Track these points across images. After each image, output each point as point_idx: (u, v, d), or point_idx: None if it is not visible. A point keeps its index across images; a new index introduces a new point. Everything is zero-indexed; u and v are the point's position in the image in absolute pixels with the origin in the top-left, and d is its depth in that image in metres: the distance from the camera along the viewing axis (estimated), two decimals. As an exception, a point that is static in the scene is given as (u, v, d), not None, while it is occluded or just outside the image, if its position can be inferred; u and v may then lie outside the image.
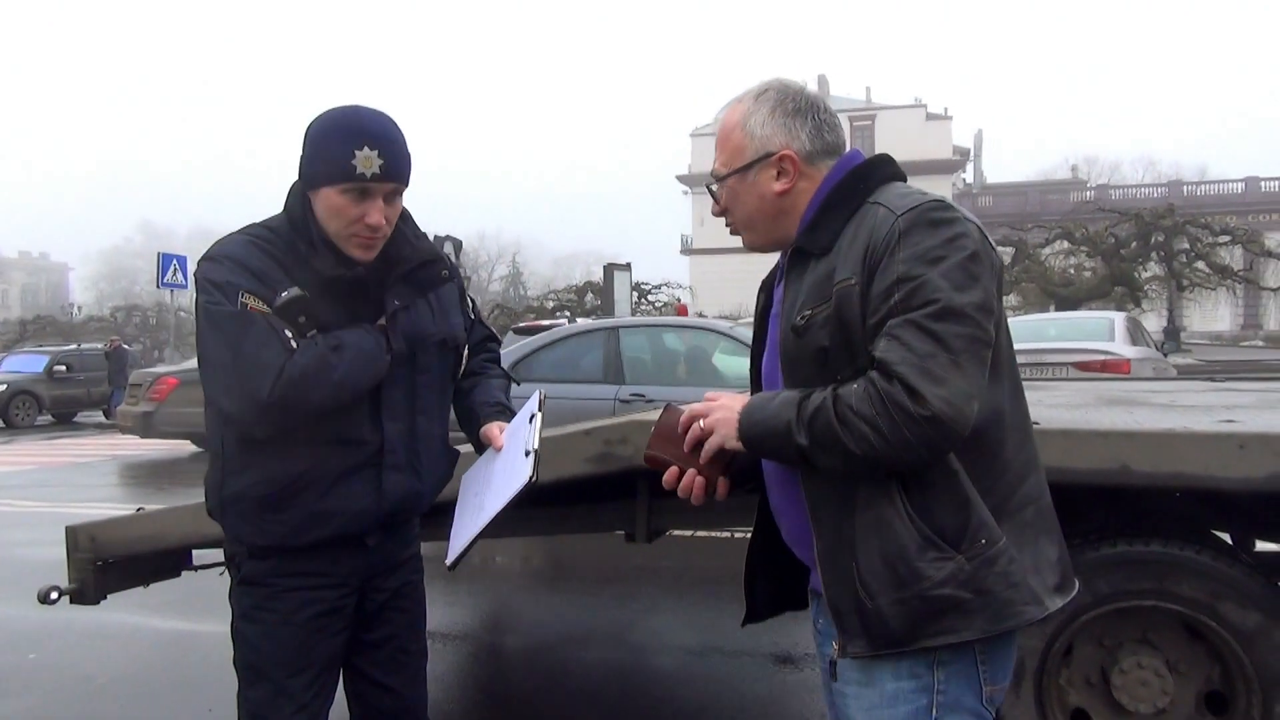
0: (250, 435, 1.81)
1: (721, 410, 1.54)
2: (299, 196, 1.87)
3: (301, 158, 1.85)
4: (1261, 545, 3.24)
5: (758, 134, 1.58)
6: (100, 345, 21.93)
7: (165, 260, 18.93)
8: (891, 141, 45.11)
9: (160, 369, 14.18)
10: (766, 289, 1.73)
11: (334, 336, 1.81)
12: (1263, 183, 46.44)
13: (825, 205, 1.55)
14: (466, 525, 1.93)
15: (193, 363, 14.73)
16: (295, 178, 1.90)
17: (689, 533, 5.58)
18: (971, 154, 47.64)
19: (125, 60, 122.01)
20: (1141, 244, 26.05)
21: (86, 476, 11.33)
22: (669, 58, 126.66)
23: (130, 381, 13.66)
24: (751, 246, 1.69)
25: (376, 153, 1.79)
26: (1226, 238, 26.73)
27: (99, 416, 19.68)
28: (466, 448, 2.16)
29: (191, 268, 2.05)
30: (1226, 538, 2.96)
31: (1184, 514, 2.67)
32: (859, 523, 1.45)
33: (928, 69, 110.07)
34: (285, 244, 1.85)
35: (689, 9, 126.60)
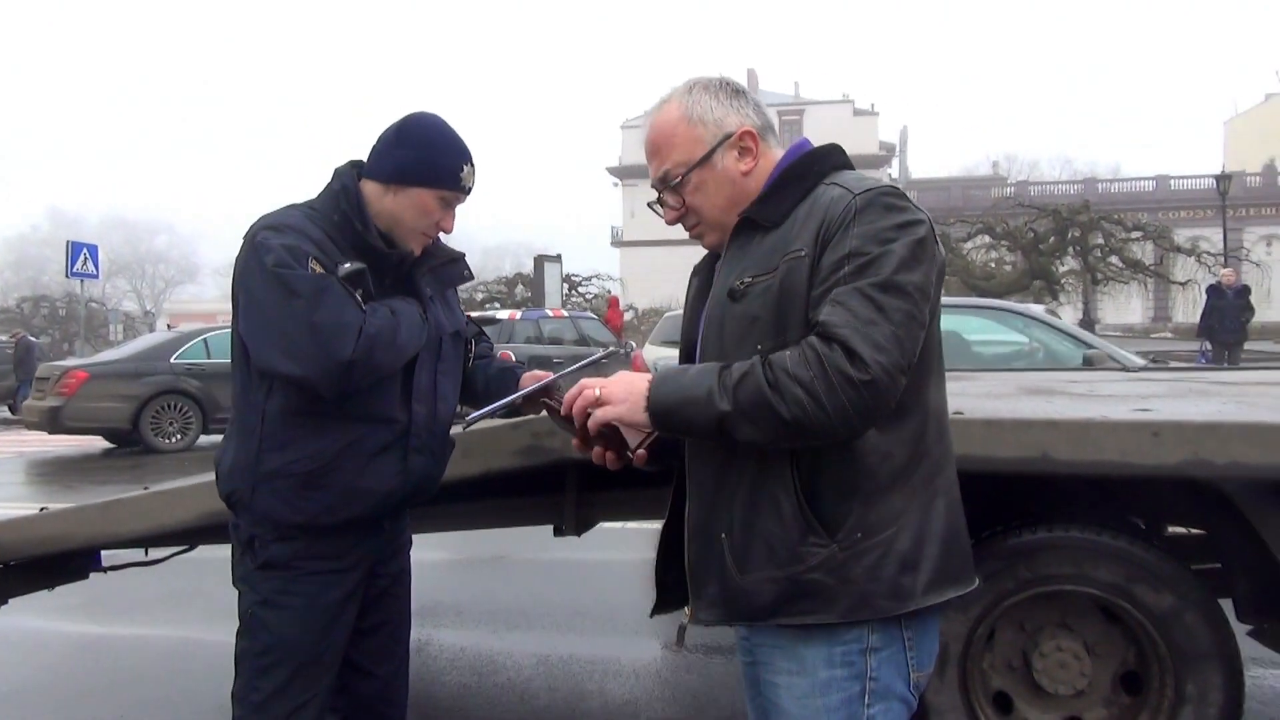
0: (314, 399, 1.86)
1: (620, 381, 1.49)
2: (352, 179, 1.98)
3: (402, 155, 1.95)
4: (1172, 529, 3.35)
5: (710, 119, 1.56)
6: (4, 337, 21.05)
7: (75, 249, 18.18)
8: (820, 136, 43.94)
9: (70, 362, 13.67)
10: (702, 273, 1.71)
11: (388, 304, 1.92)
12: (1172, 181, 48.28)
13: (780, 181, 1.55)
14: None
15: (105, 355, 14.27)
16: (349, 162, 2.02)
17: (619, 525, 5.56)
18: (897, 149, 48.57)
19: (28, 34, 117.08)
20: (1059, 239, 26.90)
21: (-10, 475, 10.84)
22: (597, 49, 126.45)
23: (37, 375, 13.13)
24: (714, 246, 1.63)
25: (473, 170, 2.02)
26: (1139, 234, 27.76)
27: (4, 412, 18.89)
28: (456, 429, 2.27)
29: (103, 257, 2.06)
30: (1140, 524, 3.05)
31: (1100, 501, 2.75)
32: (741, 498, 1.47)
33: (855, 65, 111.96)
34: (334, 222, 1.94)
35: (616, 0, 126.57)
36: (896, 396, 1.38)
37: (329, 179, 2.03)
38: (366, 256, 1.93)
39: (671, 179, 1.58)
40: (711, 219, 1.59)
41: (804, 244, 1.45)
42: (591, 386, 1.49)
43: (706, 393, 1.40)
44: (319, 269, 1.83)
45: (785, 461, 1.44)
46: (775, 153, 1.60)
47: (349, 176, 2.00)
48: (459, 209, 2.06)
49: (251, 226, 1.92)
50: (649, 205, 1.69)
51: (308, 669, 1.94)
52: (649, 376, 1.48)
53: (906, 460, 1.46)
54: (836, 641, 1.46)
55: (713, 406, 1.39)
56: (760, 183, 1.57)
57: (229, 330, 2.03)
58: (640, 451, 1.54)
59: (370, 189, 1.98)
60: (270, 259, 1.82)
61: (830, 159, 1.58)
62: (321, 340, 1.79)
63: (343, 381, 1.82)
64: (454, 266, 2.16)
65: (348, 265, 1.87)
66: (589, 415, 1.49)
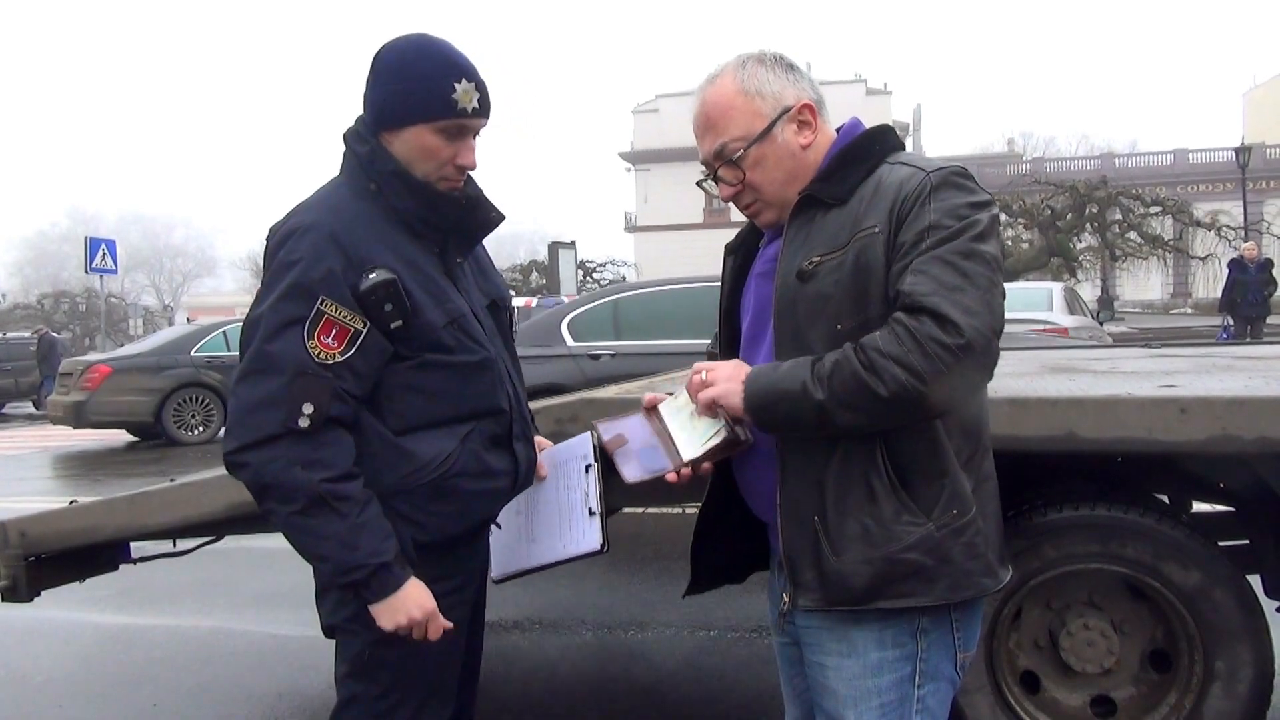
0: (425, 407, 1.69)
1: (724, 369, 1.50)
2: (364, 139, 1.71)
3: (378, 95, 1.68)
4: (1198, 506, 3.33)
5: (768, 92, 1.54)
6: (28, 334, 21.26)
7: (94, 244, 18.33)
8: (833, 116, 45.10)
9: (92, 357, 13.79)
10: (738, 251, 1.71)
11: (353, 501, 1.61)
12: (1191, 154, 47.71)
13: (843, 158, 1.54)
14: (512, 548, 1.89)
15: (126, 349, 14.40)
16: (355, 120, 1.75)
17: (640, 510, 5.58)
18: (911, 128, 48.07)
19: (45, 32, 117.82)
20: (1076, 216, 26.66)
21: (16, 469, 10.96)
22: (607, 33, 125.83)
23: (60, 370, 13.26)
24: (770, 224, 1.61)
25: (474, 85, 1.67)
26: (1157, 209, 27.46)
27: (28, 407, 19.09)
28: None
29: (121, 252, 1.94)
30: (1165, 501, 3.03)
31: (1126, 478, 2.73)
32: (833, 478, 1.46)
33: (867, 44, 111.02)
34: (372, 193, 1.70)
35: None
36: (994, 360, 1.39)
37: (345, 147, 1.78)
38: (427, 222, 1.71)
39: (730, 153, 1.54)
40: (771, 194, 1.56)
41: (877, 221, 1.44)
42: (699, 370, 1.52)
43: (801, 386, 1.40)
44: (331, 310, 1.60)
45: (873, 442, 1.44)
46: (830, 128, 1.60)
47: (356, 138, 1.74)
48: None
49: (285, 219, 1.69)
50: (698, 184, 1.67)
51: (430, 703, 1.76)
52: (743, 373, 1.48)
53: (976, 442, 1.50)
54: (888, 623, 1.47)
55: (809, 398, 1.39)
56: (819, 156, 1.56)
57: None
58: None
59: (383, 140, 1.71)
60: (278, 279, 1.62)
61: (890, 139, 1.58)
62: (232, 419, 1.61)
63: (231, 469, 1.63)
64: (477, 213, 1.81)
65: (373, 276, 1.62)
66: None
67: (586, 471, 1.85)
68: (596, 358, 6.94)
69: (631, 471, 1.63)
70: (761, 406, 1.44)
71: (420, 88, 1.65)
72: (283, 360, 1.58)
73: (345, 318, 1.61)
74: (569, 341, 7.16)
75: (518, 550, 1.89)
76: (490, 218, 1.83)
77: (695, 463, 1.57)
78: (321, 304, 1.59)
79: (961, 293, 1.35)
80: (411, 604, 1.64)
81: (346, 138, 1.76)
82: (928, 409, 1.38)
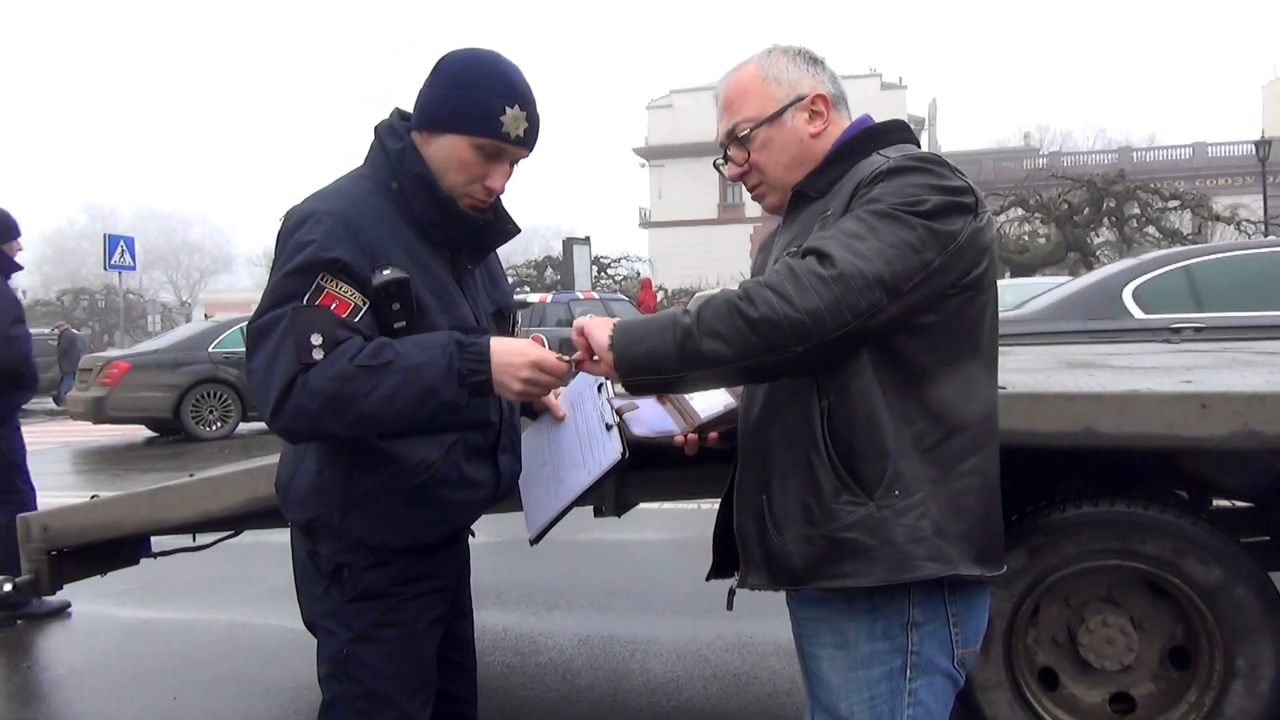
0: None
1: (597, 319, 1.49)
2: (399, 135, 1.69)
3: (429, 95, 1.67)
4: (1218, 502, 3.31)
5: (784, 79, 1.59)
6: (47, 330, 21.44)
7: (112, 241, 18.48)
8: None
9: (111, 353, 13.92)
10: (769, 248, 1.74)
11: (389, 348, 1.54)
12: (1210, 147, 47.28)
13: (836, 155, 1.58)
14: (543, 500, 1.87)
15: (144, 346, 14.51)
16: (397, 112, 1.74)
17: (657, 505, 5.58)
18: (926, 123, 47.82)
19: (61, 31, 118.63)
20: (1094, 210, 26.42)
21: (37, 464, 10.95)
22: (621, 29, 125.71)
23: (80, 366, 13.38)
24: (773, 207, 1.66)
25: (525, 115, 1.66)
26: (1176, 202, 27.19)
27: (49, 403, 19.26)
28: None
29: (139, 249, 1.94)
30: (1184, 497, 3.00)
31: (1145, 474, 2.71)
32: (778, 459, 1.48)
33: (882, 38, 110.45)
34: (394, 192, 1.68)
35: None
36: (875, 309, 1.33)
37: (374, 139, 1.77)
38: (442, 232, 1.70)
39: (738, 133, 1.61)
40: (774, 177, 1.61)
41: (835, 207, 1.47)
42: (577, 330, 1.49)
43: (669, 317, 1.40)
44: (331, 286, 1.56)
45: (815, 419, 1.44)
46: (845, 124, 1.62)
47: (388, 132, 1.72)
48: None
49: (301, 205, 1.67)
50: (714, 164, 1.71)
51: (411, 706, 1.73)
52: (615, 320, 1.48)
53: (936, 428, 1.44)
54: (878, 615, 1.47)
55: (676, 325, 1.37)
56: (827, 148, 1.59)
57: None
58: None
59: (416, 141, 1.70)
60: (288, 262, 1.58)
61: (889, 134, 1.59)
62: (256, 389, 1.58)
63: (288, 438, 1.61)
64: (494, 225, 1.80)
65: (386, 273, 1.59)
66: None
67: (599, 391, 1.82)
68: (1178, 331, 5.99)
69: (640, 430, 1.70)
70: (627, 339, 1.40)
71: (471, 99, 1.64)
72: (280, 319, 1.56)
73: (345, 293, 1.56)
74: (1137, 314, 6.28)
75: (547, 500, 1.86)
76: (506, 229, 1.82)
77: (702, 430, 1.65)
78: (322, 279, 1.56)
79: (858, 240, 1.34)
80: (516, 358, 1.56)
81: (378, 130, 1.75)
82: (796, 339, 1.33)
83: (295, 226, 1.62)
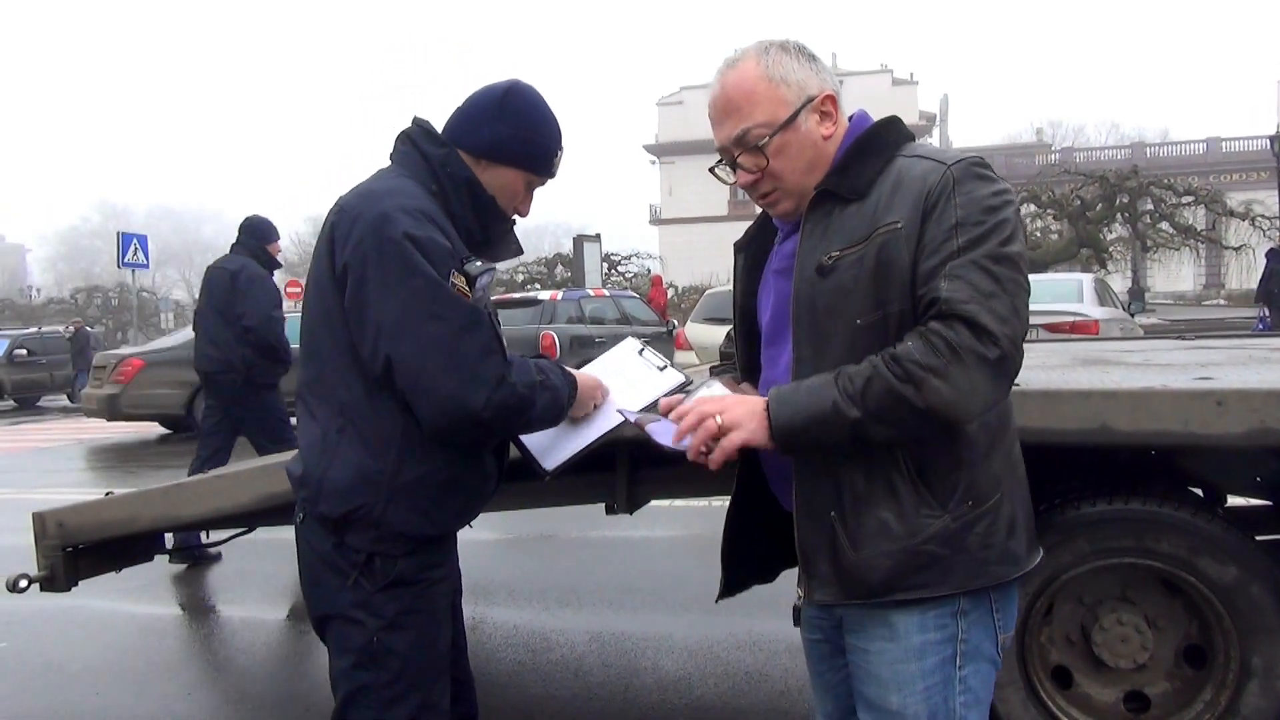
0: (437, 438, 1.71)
1: (739, 406, 1.45)
2: (440, 142, 1.81)
3: (500, 129, 1.80)
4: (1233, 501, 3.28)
5: (792, 80, 1.52)
6: (61, 328, 21.56)
7: (125, 240, 18.56)
8: (858, 107, 44.72)
9: (125, 350, 13.97)
10: (747, 248, 1.71)
11: (540, 369, 1.79)
12: (1224, 143, 46.93)
13: (857, 150, 1.53)
14: (566, 434, 1.96)
15: (158, 343, 14.56)
16: (416, 123, 1.85)
17: (668, 502, 5.58)
18: (938, 119, 47.61)
19: (74, 30, 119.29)
20: (1107, 206, 26.25)
21: (52, 461, 11.14)
22: (631, 26, 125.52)
23: (94, 364, 13.43)
24: (787, 214, 1.59)
25: (562, 156, 1.88)
26: (1189, 198, 26.97)
27: (63, 400, 19.37)
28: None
29: (152, 247, 1.98)
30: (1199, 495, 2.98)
31: (1160, 472, 2.69)
32: (850, 476, 1.46)
33: (893, 34, 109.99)
34: (434, 194, 1.78)
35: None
36: (1020, 365, 1.41)
37: (401, 143, 1.85)
38: (476, 233, 1.83)
39: (753, 140, 1.52)
40: (792, 183, 1.54)
41: (900, 217, 1.43)
42: (710, 415, 1.44)
43: (831, 406, 1.38)
44: (460, 283, 1.67)
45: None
46: (846, 121, 1.59)
47: (449, 147, 1.81)
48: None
49: (373, 203, 1.69)
50: (711, 170, 1.64)
51: (435, 690, 1.80)
52: (762, 399, 1.45)
53: (999, 427, 1.50)
54: (930, 606, 1.47)
55: (842, 417, 1.38)
56: (832, 151, 1.56)
57: (295, 317, 1.96)
58: None
59: (466, 160, 1.82)
60: (413, 253, 1.63)
61: (898, 131, 1.58)
62: (461, 379, 1.63)
63: (471, 434, 1.70)
64: (508, 240, 1.94)
65: (479, 264, 1.72)
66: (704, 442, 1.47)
67: (641, 354, 2.04)
68: None
69: (664, 440, 1.69)
70: (790, 434, 1.41)
71: (539, 141, 1.84)
72: (475, 312, 1.69)
73: (463, 284, 1.70)
74: None
75: (575, 432, 1.96)
76: (512, 250, 1.97)
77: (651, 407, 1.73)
78: (452, 275, 1.68)
79: (995, 299, 1.37)
80: (588, 385, 1.92)
81: (413, 136, 1.83)
82: (962, 417, 1.39)
83: (383, 221, 1.65)
